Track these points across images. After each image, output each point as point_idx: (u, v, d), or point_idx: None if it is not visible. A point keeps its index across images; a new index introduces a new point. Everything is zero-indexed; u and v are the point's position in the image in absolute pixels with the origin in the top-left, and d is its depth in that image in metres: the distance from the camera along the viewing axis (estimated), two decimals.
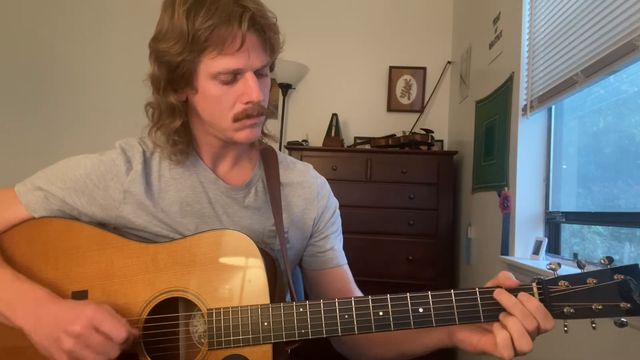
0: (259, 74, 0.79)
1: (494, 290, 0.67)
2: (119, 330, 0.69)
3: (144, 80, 0.80)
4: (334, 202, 0.98)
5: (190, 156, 0.87)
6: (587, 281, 0.63)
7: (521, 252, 1.78)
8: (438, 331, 0.75)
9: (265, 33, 0.77)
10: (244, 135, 0.81)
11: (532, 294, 0.66)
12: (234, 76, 0.76)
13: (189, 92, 0.80)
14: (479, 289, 0.67)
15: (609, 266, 0.63)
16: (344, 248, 1.00)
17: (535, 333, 0.65)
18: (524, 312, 0.65)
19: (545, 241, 1.69)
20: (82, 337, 0.68)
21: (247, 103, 0.78)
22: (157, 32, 0.77)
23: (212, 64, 0.75)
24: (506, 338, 0.64)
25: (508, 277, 0.69)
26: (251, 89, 0.77)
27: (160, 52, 0.75)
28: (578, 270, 0.66)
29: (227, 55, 0.74)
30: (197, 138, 0.87)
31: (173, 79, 0.77)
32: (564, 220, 1.70)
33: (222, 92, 0.77)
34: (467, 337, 0.71)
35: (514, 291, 0.67)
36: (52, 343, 0.70)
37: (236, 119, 0.79)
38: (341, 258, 0.97)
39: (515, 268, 1.73)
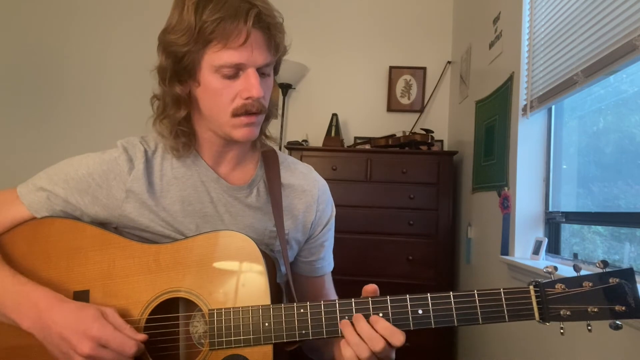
0: (261, 72, 0.80)
1: (492, 293, 0.68)
2: (127, 346, 0.72)
3: (151, 70, 0.83)
4: (332, 209, 1.00)
5: (191, 152, 0.88)
6: (583, 284, 0.64)
7: (521, 252, 1.78)
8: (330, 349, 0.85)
9: (270, 31, 0.78)
10: (241, 133, 0.81)
11: (530, 297, 0.66)
12: (236, 71, 0.78)
13: (192, 84, 0.81)
14: (477, 291, 0.67)
15: (604, 270, 0.64)
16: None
17: (388, 349, 0.70)
18: (369, 334, 0.69)
19: (545, 241, 1.69)
20: (93, 357, 0.71)
21: (247, 99, 0.78)
22: (167, 26, 0.79)
23: (215, 57, 0.76)
24: (352, 356, 0.70)
25: (371, 291, 0.74)
26: (252, 85, 0.77)
27: (168, 43, 0.78)
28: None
29: (230, 49, 0.75)
30: (199, 135, 0.87)
31: (178, 70, 0.79)
32: (564, 220, 1.70)
33: (223, 85, 0.78)
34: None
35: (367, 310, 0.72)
36: (64, 356, 0.74)
37: (235, 114, 0.79)
38: (328, 266, 1.01)
39: (515, 268, 1.74)
